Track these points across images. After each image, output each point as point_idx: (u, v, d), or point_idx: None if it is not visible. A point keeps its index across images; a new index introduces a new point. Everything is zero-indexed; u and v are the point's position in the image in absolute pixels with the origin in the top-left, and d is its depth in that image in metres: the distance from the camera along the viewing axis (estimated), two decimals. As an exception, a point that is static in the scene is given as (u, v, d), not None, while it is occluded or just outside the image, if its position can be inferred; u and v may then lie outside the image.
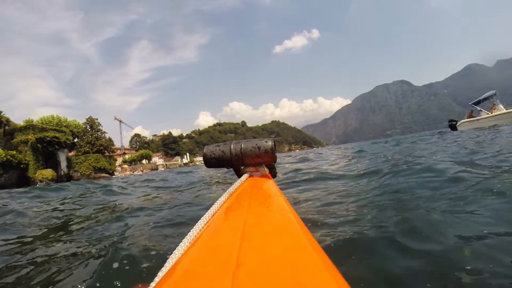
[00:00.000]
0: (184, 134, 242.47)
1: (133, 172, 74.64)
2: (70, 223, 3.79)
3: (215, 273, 0.42)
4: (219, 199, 0.86)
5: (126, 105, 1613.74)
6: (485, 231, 1.79)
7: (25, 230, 3.70)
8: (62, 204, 6.20)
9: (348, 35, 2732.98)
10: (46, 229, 3.67)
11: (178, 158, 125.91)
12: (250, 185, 1.09)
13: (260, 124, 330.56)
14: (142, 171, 75.58)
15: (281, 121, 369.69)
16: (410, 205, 2.65)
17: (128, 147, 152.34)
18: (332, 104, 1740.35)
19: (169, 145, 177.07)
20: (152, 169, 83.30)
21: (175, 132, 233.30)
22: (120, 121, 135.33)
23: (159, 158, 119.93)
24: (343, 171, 5.84)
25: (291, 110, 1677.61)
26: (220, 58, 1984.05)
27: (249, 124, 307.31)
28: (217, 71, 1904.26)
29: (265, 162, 1.27)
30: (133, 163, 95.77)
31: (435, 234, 1.82)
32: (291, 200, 3.49)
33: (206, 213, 0.75)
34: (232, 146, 1.26)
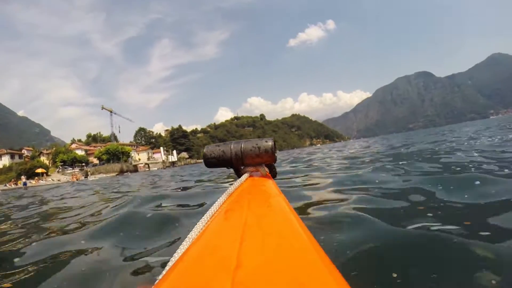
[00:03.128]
0: (199, 129, 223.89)
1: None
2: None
3: (215, 273, 0.42)
4: (219, 199, 0.87)
5: (148, 102, 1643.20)
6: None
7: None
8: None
9: (366, 25, 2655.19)
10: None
11: (160, 155, 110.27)
12: (250, 185, 1.09)
13: (280, 118, 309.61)
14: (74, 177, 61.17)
15: (302, 114, 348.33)
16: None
17: (133, 143, 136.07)
18: (352, 97, 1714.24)
19: (178, 140, 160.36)
20: (122, 172, 72.49)
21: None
22: (111, 112, 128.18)
23: (164, 154, 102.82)
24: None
25: (310, 104, 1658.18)
26: (239, 54, 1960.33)
27: (268, 118, 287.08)
28: (236, 67, 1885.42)
29: (265, 162, 1.27)
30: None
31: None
32: (291, 200, 3.15)
33: (206, 213, 0.76)
34: (232, 146, 1.27)
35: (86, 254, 2.31)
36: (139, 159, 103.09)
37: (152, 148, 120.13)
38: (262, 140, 1.26)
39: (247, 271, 0.41)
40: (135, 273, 1.77)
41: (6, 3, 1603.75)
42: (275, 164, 1.39)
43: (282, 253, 0.48)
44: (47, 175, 69.00)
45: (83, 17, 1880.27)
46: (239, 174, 1.29)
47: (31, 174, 60.94)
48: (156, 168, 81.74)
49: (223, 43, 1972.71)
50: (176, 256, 0.59)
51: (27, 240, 3.44)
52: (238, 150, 1.24)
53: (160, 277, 0.50)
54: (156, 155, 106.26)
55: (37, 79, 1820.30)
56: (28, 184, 46.72)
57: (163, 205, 4.81)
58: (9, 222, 5.46)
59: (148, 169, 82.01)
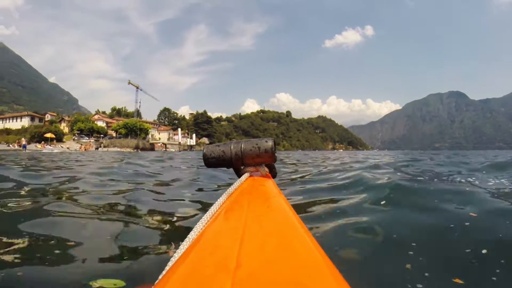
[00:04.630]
0: (224, 117, 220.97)
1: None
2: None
3: (215, 273, 0.41)
4: (219, 199, 0.87)
5: (178, 84, 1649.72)
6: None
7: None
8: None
9: (405, 35, 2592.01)
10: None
11: (178, 136, 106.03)
12: (250, 185, 1.10)
13: (305, 117, 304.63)
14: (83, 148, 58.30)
15: (328, 117, 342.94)
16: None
17: (156, 121, 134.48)
18: (381, 107, 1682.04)
19: (201, 125, 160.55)
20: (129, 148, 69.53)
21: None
22: (137, 88, 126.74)
23: (183, 136, 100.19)
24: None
25: (338, 108, 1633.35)
26: (273, 49, 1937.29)
27: (294, 116, 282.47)
28: (269, 61, 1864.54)
29: (265, 162, 1.28)
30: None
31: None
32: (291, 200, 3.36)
33: (206, 213, 0.76)
34: (232, 146, 1.28)
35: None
36: (159, 138, 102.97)
37: (174, 129, 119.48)
38: (262, 140, 1.26)
39: (247, 271, 0.40)
40: (135, 273, 1.75)
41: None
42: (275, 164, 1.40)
43: (282, 253, 0.48)
44: (60, 141, 67.78)
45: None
46: (239, 174, 1.30)
47: (43, 138, 59.18)
48: (173, 150, 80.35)
49: (259, 35, 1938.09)
50: (176, 256, 0.59)
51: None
52: (238, 150, 1.24)
53: (160, 277, 0.51)
54: (177, 137, 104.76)
55: (71, 49, 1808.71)
56: (33, 148, 44.14)
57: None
58: None
59: (165, 149, 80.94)
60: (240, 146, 1.25)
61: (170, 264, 0.57)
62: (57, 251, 2.03)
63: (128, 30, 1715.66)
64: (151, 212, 3.23)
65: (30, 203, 3.37)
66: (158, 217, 3.02)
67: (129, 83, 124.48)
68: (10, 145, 45.14)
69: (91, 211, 3.11)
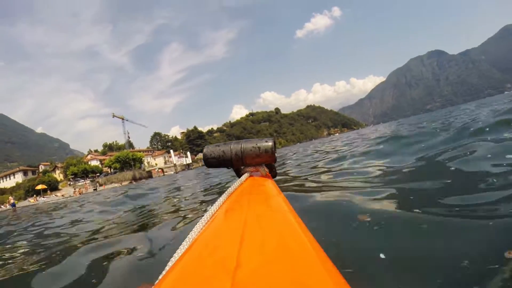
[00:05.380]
0: (215, 128, 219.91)
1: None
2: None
3: (215, 273, 0.42)
4: (219, 199, 0.87)
5: (163, 107, 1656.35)
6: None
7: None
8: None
9: (371, 8, 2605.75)
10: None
11: (173, 158, 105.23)
12: (250, 185, 1.10)
13: (295, 111, 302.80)
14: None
15: (316, 105, 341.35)
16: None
17: (149, 148, 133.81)
18: (365, 83, 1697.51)
19: (194, 141, 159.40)
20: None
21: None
22: (123, 119, 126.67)
23: (178, 156, 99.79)
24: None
25: (324, 94, 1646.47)
26: (248, 51, 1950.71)
27: (283, 112, 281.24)
28: (247, 64, 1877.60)
29: (265, 162, 1.28)
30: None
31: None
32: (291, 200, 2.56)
33: (206, 213, 0.76)
34: (232, 146, 1.28)
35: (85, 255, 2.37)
36: (156, 164, 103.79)
37: (168, 152, 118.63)
38: (262, 140, 1.26)
39: (247, 271, 0.41)
40: (135, 273, 1.79)
41: (10, 25, 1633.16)
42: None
43: (282, 253, 0.48)
44: (56, 189, 67.00)
45: (90, 30, 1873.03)
46: (239, 174, 1.31)
47: (35, 191, 58.00)
48: (172, 172, 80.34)
49: (231, 41, 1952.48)
50: (176, 256, 0.59)
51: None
52: (238, 150, 1.25)
53: (160, 277, 0.51)
54: (172, 159, 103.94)
55: (51, 96, 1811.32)
56: (26, 203, 41.97)
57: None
58: None
59: (162, 174, 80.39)
60: (240, 146, 1.25)
61: (170, 264, 0.57)
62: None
63: (102, 65, 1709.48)
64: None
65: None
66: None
67: (114, 116, 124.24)
68: (2, 206, 43.10)
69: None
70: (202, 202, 5.35)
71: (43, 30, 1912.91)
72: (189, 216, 3.99)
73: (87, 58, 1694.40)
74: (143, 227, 3.76)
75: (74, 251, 3.00)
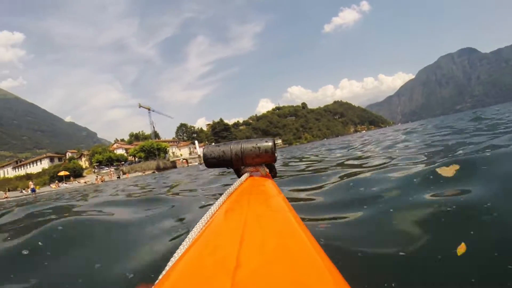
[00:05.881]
0: (241, 121, 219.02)
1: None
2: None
3: (215, 273, 0.42)
4: (219, 199, 0.87)
5: (190, 99, 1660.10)
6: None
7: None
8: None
9: (400, 2, 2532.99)
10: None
11: (196, 149, 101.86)
12: (250, 185, 1.11)
13: (322, 106, 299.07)
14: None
15: (344, 101, 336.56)
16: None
17: (175, 139, 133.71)
18: (394, 80, 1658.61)
19: (220, 133, 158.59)
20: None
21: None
22: (149, 109, 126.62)
23: (202, 148, 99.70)
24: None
25: (352, 90, 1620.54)
26: (275, 45, 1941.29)
27: (310, 107, 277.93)
28: (274, 58, 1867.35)
29: (265, 162, 1.29)
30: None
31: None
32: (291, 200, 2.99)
33: (206, 213, 0.77)
34: (232, 146, 1.29)
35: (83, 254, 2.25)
36: (181, 155, 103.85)
37: (193, 143, 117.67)
38: (262, 140, 1.28)
39: (247, 271, 0.41)
40: (135, 272, 1.76)
41: (40, 19, 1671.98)
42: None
43: (282, 253, 0.48)
44: (80, 176, 68.12)
45: (117, 24, 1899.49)
46: (239, 174, 1.32)
47: (60, 177, 58.21)
48: (196, 163, 78.81)
49: (258, 35, 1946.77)
50: (176, 256, 0.59)
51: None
52: (238, 150, 1.26)
53: (160, 277, 0.51)
54: (199, 150, 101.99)
55: (80, 87, 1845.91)
56: (48, 189, 42.02)
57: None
58: None
59: (187, 165, 79.32)
60: (240, 146, 1.26)
61: (170, 264, 0.57)
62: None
63: (131, 58, 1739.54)
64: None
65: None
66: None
67: (140, 106, 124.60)
68: (23, 191, 42.81)
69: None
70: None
71: (73, 23, 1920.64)
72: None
73: (116, 50, 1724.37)
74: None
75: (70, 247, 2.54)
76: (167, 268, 0.55)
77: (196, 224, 0.70)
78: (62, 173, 58.89)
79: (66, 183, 51.57)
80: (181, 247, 0.61)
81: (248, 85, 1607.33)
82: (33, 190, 36.16)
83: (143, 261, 2.03)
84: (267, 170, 1.31)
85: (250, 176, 1.23)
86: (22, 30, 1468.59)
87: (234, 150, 1.26)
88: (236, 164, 1.29)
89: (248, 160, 1.26)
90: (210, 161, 1.32)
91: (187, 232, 0.69)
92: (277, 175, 1.38)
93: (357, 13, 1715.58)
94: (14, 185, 62.33)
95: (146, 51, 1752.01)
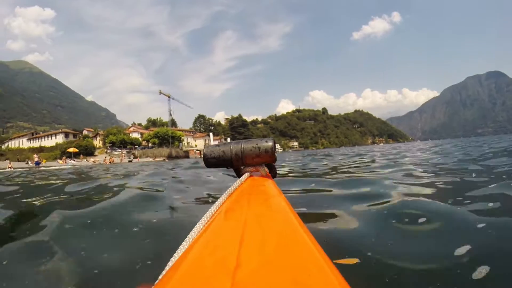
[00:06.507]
0: (260, 119, 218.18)
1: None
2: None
3: (215, 273, 0.42)
4: (219, 199, 0.87)
5: (212, 91, 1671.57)
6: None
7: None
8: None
9: (434, 18, 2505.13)
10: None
11: (210, 141, 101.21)
12: (250, 185, 1.11)
13: (342, 113, 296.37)
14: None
15: (365, 110, 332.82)
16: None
17: (192, 129, 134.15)
18: (417, 96, 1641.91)
19: (237, 129, 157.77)
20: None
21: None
22: (169, 97, 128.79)
23: (218, 141, 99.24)
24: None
25: (374, 101, 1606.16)
26: (301, 47, 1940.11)
27: (330, 113, 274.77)
28: (300, 60, 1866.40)
29: (265, 162, 1.30)
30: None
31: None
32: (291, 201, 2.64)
33: (206, 213, 0.77)
34: (232, 146, 1.30)
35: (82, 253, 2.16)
36: (195, 145, 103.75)
37: (208, 135, 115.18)
38: (262, 140, 1.28)
39: (247, 271, 0.41)
40: (135, 272, 1.75)
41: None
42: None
43: (282, 253, 0.48)
44: (91, 155, 67.87)
45: (148, 10, 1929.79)
46: (239, 174, 1.32)
47: (75, 154, 58.52)
48: None
49: (286, 35, 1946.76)
50: (176, 256, 0.59)
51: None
52: (238, 150, 1.26)
53: (160, 277, 0.51)
54: (214, 143, 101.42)
55: (105, 68, 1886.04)
56: (54, 164, 41.82)
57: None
58: None
59: (199, 156, 78.50)
60: (240, 146, 1.26)
61: (170, 264, 0.57)
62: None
63: (157, 45, 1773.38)
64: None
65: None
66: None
67: (160, 92, 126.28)
68: (29, 162, 42.78)
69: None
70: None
71: (104, 4, 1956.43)
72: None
73: (144, 36, 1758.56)
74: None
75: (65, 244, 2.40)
76: (167, 268, 0.55)
77: (196, 224, 0.70)
78: (71, 149, 59.06)
79: (74, 160, 51.12)
80: (181, 247, 0.61)
81: (270, 84, 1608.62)
82: (37, 163, 35.79)
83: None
84: (267, 170, 1.31)
85: (250, 176, 1.22)
86: (53, 7, 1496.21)
87: (234, 150, 1.26)
88: (236, 164, 1.29)
89: (248, 160, 1.25)
90: (210, 161, 1.32)
91: (187, 232, 0.67)
92: None
93: (388, 23, 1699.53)
94: (26, 156, 62.22)
95: (173, 39, 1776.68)
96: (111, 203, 3.31)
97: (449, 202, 2.85)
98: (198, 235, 0.64)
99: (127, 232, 2.35)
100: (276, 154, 1.28)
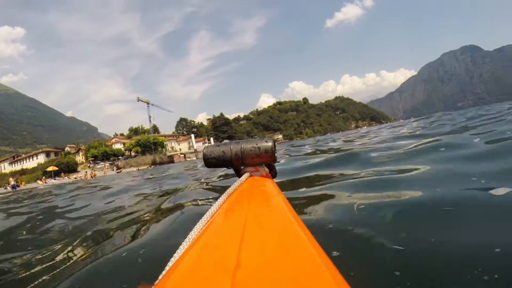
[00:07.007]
0: (242, 116, 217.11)
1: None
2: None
3: (215, 273, 0.42)
4: (219, 199, 0.87)
5: (191, 94, 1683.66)
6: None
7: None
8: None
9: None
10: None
11: (199, 143, 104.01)
12: (250, 185, 1.10)
13: (323, 101, 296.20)
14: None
15: (345, 96, 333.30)
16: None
17: (174, 133, 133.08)
18: (396, 76, 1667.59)
19: (220, 128, 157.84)
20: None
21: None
22: (148, 103, 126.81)
23: (202, 142, 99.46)
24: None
25: (353, 86, 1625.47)
26: (277, 40, 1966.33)
27: (311, 102, 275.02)
28: (276, 53, 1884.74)
29: (265, 161, 1.28)
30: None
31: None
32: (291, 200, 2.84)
33: (206, 213, 0.77)
34: (232, 146, 1.29)
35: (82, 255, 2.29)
36: (180, 149, 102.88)
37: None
38: (262, 140, 1.27)
39: (247, 271, 0.41)
40: (135, 272, 1.78)
41: (45, 12, 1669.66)
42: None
43: (282, 253, 0.48)
44: (74, 171, 67.28)
45: (120, 18, 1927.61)
46: (239, 174, 1.31)
47: (55, 172, 56.95)
48: (194, 158, 77.96)
49: (260, 30, 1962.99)
50: (176, 256, 0.59)
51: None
52: (238, 150, 1.26)
53: (160, 277, 0.51)
54: (197, 144, 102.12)
55: (81, 81, 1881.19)
56: (34, 185, 39.59)
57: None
58: None
59: (184, 159, 78.27)
60: (240, 146, 1.26)
61: (170, 264, 0.57)
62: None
63: (133, 52, 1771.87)
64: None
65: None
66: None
67: (138, 99, 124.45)
68: (7, 187, 39.98)
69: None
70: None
71: (74, 18, 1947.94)
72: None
73: (117, 45, 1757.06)
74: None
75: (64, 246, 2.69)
76: (167, 268, 0.55)
77: (196, 224, 0.70)
78: (50, 168, 57.44)
79: (54, 179, 49.57)
80: (181, 247, 0.61)
81: (249, 80, 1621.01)
82: (13, 187, 34.13)
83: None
84: (267, 170, 1.30)
85: (250, 176, 1.22)
86: (23, 25, 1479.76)
87: (234, 150, 1.25)
88: (236, 164, 1.28)
89: (248, 160, 1.25)
90: (210, 161, 1.31)
91: (187, 232, 0.67)
92: None
93: (360, 8, 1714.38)
94: (7, 181, 60.88)
95: (147, 45, 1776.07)
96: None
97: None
98: (198, 235, 0.64)
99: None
100: (276, 154, 1.26)
